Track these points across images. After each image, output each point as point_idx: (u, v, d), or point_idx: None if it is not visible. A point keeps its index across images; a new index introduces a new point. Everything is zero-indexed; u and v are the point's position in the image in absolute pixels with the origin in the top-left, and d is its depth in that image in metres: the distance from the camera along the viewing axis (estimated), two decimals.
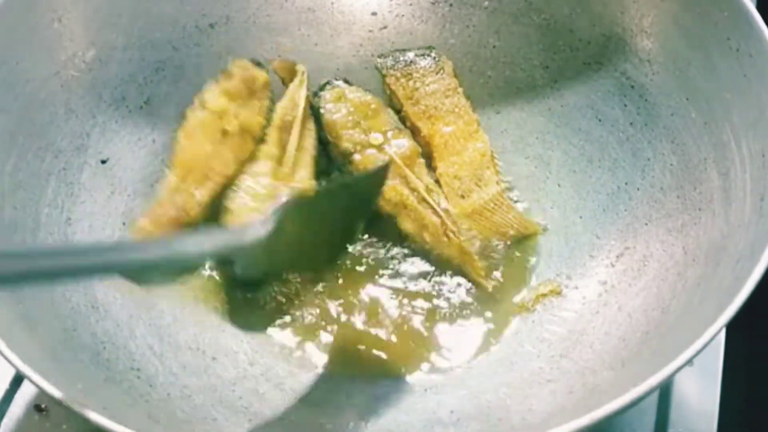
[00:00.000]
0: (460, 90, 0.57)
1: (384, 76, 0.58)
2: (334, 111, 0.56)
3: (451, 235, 0.53)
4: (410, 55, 0.58)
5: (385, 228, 0.55)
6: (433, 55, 0.58)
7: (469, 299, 0.52)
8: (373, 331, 0.51)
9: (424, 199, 0.54)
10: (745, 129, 0.47)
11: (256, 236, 0.43)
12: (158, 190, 0.54)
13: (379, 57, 0.59)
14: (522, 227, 0.54)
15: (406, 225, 0.54)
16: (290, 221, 0.44)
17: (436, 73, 0.57)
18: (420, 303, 0.52)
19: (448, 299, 0.52)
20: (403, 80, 0.57)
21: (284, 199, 0.51)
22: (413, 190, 0.54)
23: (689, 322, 0.42)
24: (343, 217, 0.49)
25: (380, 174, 0.52)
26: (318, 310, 0.52)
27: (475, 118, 0.56)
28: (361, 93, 0.57)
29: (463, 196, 0.54)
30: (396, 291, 0.53)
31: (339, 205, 0.49)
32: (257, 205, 0.52)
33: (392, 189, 0.54)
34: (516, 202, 0.56)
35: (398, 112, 0.58)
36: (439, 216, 0.53)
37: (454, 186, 0.54)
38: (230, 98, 0.54)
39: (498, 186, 0.55)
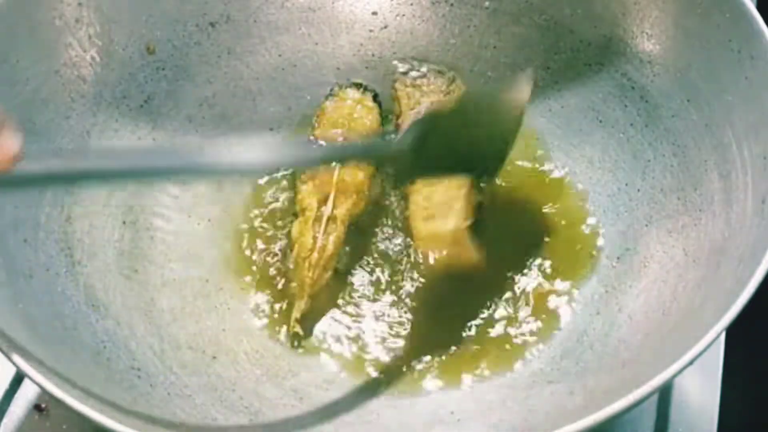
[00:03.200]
0: None
1: (395, 80, 0.57)
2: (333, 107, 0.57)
3: (306, 264, 0.52)
4: (426, 68, 0.57)
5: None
6: (448, 75, 0.57)
7: (468, 299, 0.52)
8: (373, 331, 0.51)
9: (317, 221, 0.53)
10: (746, 131, 0.47)
11: (398, 146, 0.46)
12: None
13: (398, 60, 0.58)
14: (469, 260, 0.52)
15: (294, 229, 0.53)
16: (431, 133, 0.46)
17: (444, 95, 0.56)
18: (419, 303, 0.52)
19: (448, 299, 0.52)
20: (410, 89, 0.57)
21: (422, 112, 0.50)
22: (317, 205, 0.53)
23: (690, 324, 0.42)
24: (490, 129, 0.50)
25: (521, 85, 0.50)
26: (317, 311, 0.52)
27: None
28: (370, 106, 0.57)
29: (425, 219, 0.53)
30: (395, 292, 0.53)
31: (481, 117, 0.49)
32: None
33: (304, 192, 0.54)
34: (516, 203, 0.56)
35: (396, 117, 0.57)
36: (314, 244, 0.52)
37: (422, 206, 0.53)
38: None
39: (464, 222, 0.53)
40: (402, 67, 0.58)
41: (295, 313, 0.51)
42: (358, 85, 0.58)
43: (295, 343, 0.51)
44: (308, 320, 0.51)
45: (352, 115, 0.56)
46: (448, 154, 0.48)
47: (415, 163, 0.47)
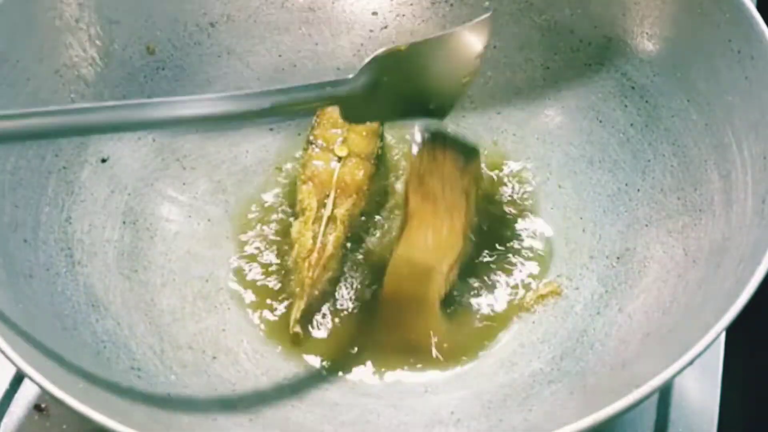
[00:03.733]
0: (471, 194, 0.54)
1: (413, 143, 0.55)
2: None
3: (306, 264, 0.51)
4: (451, 140, 0.55)
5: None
6: (469, 153, 0.55)
7: (469, 299, 0.52)
8: (373, 331, 0.51)
9: (316, 221, 0.52)
10: (747, 131, 0.47)
11: (350, 88, 0.47)
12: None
13: (426, 130, 0.55)
14: (431, 341, 0.50)
15: (293, 229, 0.53)
16: (385, 73, 0.48)
17: (459, 169, 0.53)
18: None
19: (447, 299, 0.52)
20: (425, 154, 0.54)
21: (375, 54, 0.50)
22: (317, 206, 0.53)
23: (690, 324, 0.42)
24: (445, 69, 0.50)
25: (481, 26, 0.51)
26: (317, 312, 0.52)
27: (462, 227, 0.52)
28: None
29: (400, 283, 0.50)
30: None
31: (437, 57, 0.50)
32: None
33: (304, 192, 0.54)
34: (516, 203, 0.56)
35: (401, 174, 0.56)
36: (314, 244, 0.51)
37: (400, 270, 0.51)
38: None
39: (437, 296, 0.50)
40: (427, 135, 0.55)
41: (295, 314, 0.51)
42: None
43: (295, 343, 0.51)
44: (308, 320, 0.51)
45: None
46: (400, 97, 0.49)
47: (367, 106, 0.48)
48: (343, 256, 0.53)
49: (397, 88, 0.48)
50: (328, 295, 0.52)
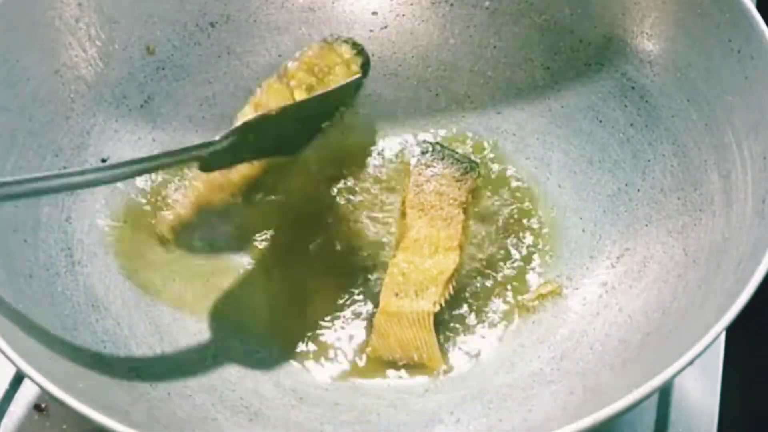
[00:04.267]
0: (467, 208, 0.55)
1: (411, 156, 0.57)
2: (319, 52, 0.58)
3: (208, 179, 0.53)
4: (449, 153, 0.56)
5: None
6: (466, 166, 0.56)
7: (469, 299, 0.52)
8: (372, 332, 0.51)
9: None
10: (746, 131, 0.47)
11: (213, 149, 0.50)
12: None
13: (424, 142, 0.57)
14: (426, 355, 0.50)
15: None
16: (251, 133, 0.51)
17: (457, 181, 0.55)
18: None
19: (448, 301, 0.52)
20: (422, 167, 0.56)
21: (247, 119, 0.52)
22: None
23: (690, 324, 0.43)
24: (308, 121, 0.56)
25: (349, 87, 0.56)
26: (318, 311, 0.52)
27: (459, 239, 0.53)
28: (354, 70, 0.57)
29: (396, 294, 0.51)
30: None
31: (303, 114, 0.55)
32: None
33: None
34: (516, 203, 0.56)
35: (402, 197, 0.56)
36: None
37: (396, 281, 0.51)
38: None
39: (432, 307, 0.51)
40: (425, 147, 0.57)
41: (171, 217, 0.53)
42: (355, 45, 0.57)
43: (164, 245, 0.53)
44: (188, 230, 0.53)
45: (333, 68, 0.56)
46: (258, 147, 0.53)
47: (224, 159, 0.51)
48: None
49: (259, 142, 0.52)
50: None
